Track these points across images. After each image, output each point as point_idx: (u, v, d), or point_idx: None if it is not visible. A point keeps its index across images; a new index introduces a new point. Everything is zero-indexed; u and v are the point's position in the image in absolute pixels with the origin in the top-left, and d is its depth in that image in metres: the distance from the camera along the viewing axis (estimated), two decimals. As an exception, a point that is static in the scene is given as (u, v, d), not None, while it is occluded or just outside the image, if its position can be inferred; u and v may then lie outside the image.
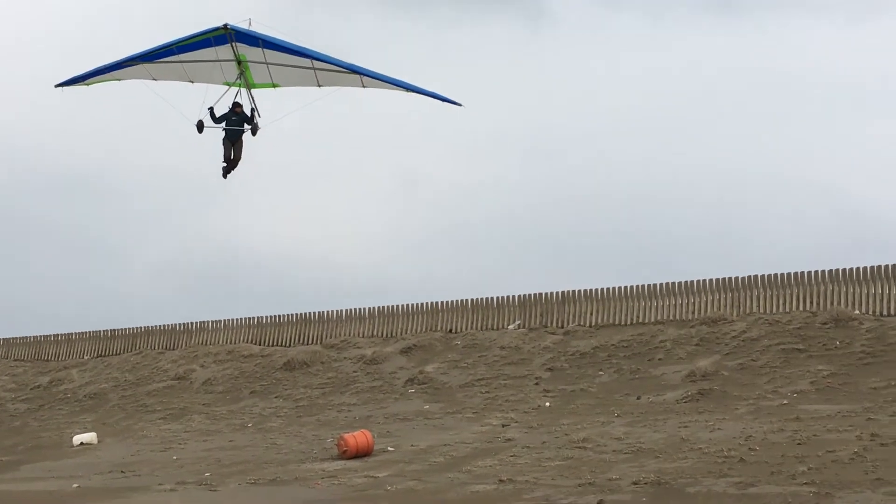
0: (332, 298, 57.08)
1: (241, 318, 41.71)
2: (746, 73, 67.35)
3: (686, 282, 33.87)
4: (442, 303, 38.07)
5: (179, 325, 42.89)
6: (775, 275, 32.47)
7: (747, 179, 64.88)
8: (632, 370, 29.71)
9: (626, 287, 34.89)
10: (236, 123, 21.24)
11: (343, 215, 72.66)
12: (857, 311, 30.00)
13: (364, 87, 20.96)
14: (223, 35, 19.91)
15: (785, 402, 24.80)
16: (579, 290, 35.74)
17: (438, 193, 71.14)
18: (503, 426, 25.93)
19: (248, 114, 21.24)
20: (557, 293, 36.12)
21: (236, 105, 21.24)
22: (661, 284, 34.27)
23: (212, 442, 28.69)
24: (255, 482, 22.26)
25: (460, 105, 20.91)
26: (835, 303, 30.79)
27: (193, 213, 73.47)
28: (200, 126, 20.96)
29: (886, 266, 31.04)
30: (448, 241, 68.08)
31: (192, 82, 21.60)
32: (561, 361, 31.40)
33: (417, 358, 34.19)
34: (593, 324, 34.28)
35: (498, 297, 37.12)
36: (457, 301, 37.83)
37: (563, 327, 34.47)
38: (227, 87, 21.17)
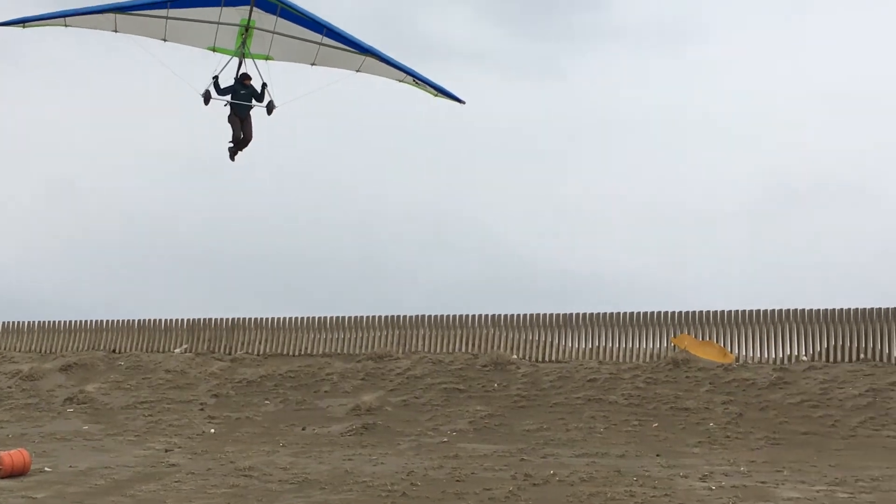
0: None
1: None
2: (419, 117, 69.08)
3: (355, 317, 34.72)
4: (106, 321, 37.23)
5: None
6: (441, 316, 33.75)
7: (420, 217, 66.71)
8: (298, 401, 30.06)
9: (295, 318, 35.31)
10: (244, 97, 19.34)
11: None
12: (514, 356, 31.62)
13: (357, 71, 19.70)
14: None
15: (445, 439, 25.81)
16: (249, 318, 35.87)
17: (103, 208, 69.14)
18: (166, 451, 25.62)
19: (258, 87, 19.39)
20: (226, 320, 36.10)
21: (245, 76, 19.33)
22: (329, 318, 34.91)
23: None
24: None
25: (463, 102, 20.25)
26: (495, 346, 32.35)
27: None
28: (207, 98, 18.93)
29: (542, 314, 32.96)
30: (114, 260, 66.23)
31: (165, 41, 19.10)
32: (227, 388, 31.35)
33: (78, 376, 33.23)
34: (261, 352, 34.46)
35: (165, 320, 36.71)
36: (122, 321, 37.11)
37: (230, 354, 34.44)
38: (215, 52, 19.24)
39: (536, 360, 31.56)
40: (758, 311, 31.39)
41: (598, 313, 32.69)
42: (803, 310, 31.01)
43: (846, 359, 29.79)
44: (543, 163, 67.54)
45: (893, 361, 29.32)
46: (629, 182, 66.57)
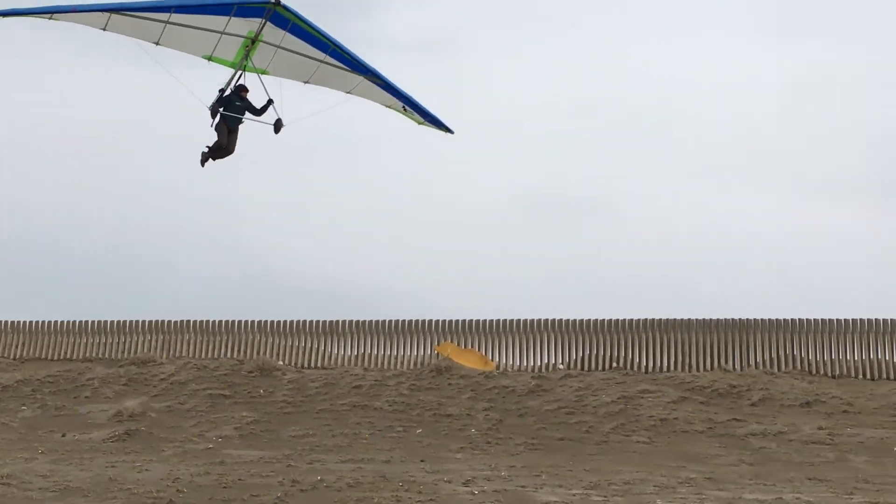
0: None
1: None
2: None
3: (118, 321, 34.15)
4: None
5: None
6: (206, 321, 33.62)
7: (186, 220, 65.58)
8: (57, 406, 29.35)
9: (54, 322, 34.52)
10: (239, 110, 18.29)
11: None
12: (280, 362, 31.78)
13: (348, 92, 18.75)
14: (259, 8, 16.90)
15: (211, 446, 25.72)
16: (4, 321, 34.81)
17: None
18: (-84, 459, 24.66)
19: (258, 103, 18.37)
20: (-20, 322, 34.96)
21: (241, 88, 18.25)
22: (91, 322, 34.26)
23: None
24: None
25: (452, 132, 19.64)
26: (261, 352, 32.44)
27: None
28: (215, 112, 18.04)
29: (308, 321, 33.30)
30: None
31: (157, 44, 17.50)
32: (-19, 393, 30.37)
33: None
34: (18, 356, 33.51)
35: (-86, 321, 35.21)
36: None
37: (-16, 358, 33.38)
38: (211, 61, 18.09)
39: (302, 367, 31.80)
40: (517, 320, 32.58)
41: (363, 320, 33.24)
42: (560, 320, 32.36)
43: (599, 367, 31.27)
44: (308, 168, 67.67)
45: (642, 370, 30.95)
46: (394, 189, 67.40)
